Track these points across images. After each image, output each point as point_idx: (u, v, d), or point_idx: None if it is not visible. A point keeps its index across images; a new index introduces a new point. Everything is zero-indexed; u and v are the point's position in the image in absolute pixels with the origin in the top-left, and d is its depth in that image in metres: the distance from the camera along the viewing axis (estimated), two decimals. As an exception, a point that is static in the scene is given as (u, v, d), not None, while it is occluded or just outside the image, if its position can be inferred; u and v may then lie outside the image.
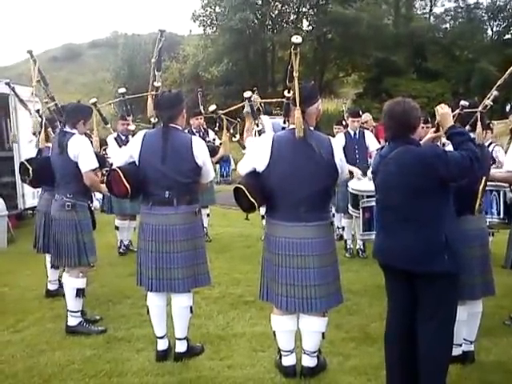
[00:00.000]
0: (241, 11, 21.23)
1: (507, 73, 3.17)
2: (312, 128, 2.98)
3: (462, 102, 3.27)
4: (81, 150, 3.70)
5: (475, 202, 2.98)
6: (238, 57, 22.37)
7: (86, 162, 3.73)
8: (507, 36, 23.00)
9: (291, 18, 24.09)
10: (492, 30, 23.86)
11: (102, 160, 3.98)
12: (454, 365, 3.23)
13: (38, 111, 4.32)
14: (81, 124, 3.83)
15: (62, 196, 3.80)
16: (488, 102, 3.18)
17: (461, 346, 3.27)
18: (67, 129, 3.82)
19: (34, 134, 4.42)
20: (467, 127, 3.21)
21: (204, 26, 23.82)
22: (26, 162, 3.99)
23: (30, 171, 3.92)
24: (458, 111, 3.28)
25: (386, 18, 24.63)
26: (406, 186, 2.66)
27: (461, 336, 3.26)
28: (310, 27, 23.77)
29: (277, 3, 23.57)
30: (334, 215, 6.78)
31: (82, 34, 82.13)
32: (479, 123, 3.14)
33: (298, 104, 2.77)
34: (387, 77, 22.23)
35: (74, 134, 3.77)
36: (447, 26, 24.49)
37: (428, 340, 2.69)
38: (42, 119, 4.34)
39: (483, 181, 2.99)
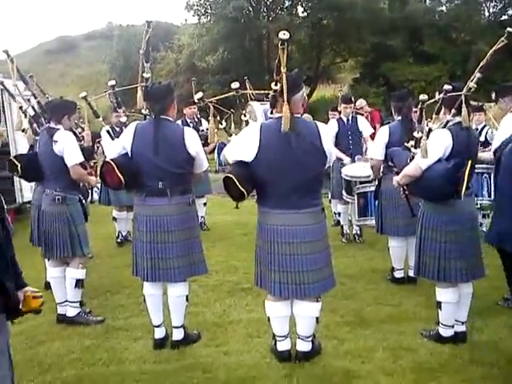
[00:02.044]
0: (235, -1, 21.06)
1: (489, 54, 3.17)
2: (299, 115, 3.00)
3: (445, 87, 3.28)
4: (65, 145, 3.75)
5: (461, 186, 3.00)
6: (233, 45, 22.18)
7: (71, 157, 3.77)
8: (504, 17, 22.81)
9: (286, 5, 23.82)
10: (488, 11, 23.66)
11: (88, 153, 4.02)
12: (446, 345, 3.32)
13: (21, 108, 4.34)
14: (65, 119, 3.89)
15: (51, 190, 3.85)
16: (472, 84, 3.18)
17: (453, 327, 3.33)
18: (52, 124, 3.87)
19: (23, 130, 4.44)
20: (453, 111, 3.23)
21: (198, 15, 23.55)
22: (13, 159, 4.05)
23: (19, 167, 3.98)
24: (441, 95, 3.29)
25: (382, 1, 24.38)
26: None
27: (452, 317, 3.31)
28: (305, 13, 23.52)
29: (271, -10, 23.36)
30: (330, 201, 6.83)
31: (76, 26, 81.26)
32: (464, 106, 3.14)
33: (285, 99, 2.80)
34: (384, 61, 22.08)
35: (58, 129, 3.81)
36: (443, 8, 24.21)
37: None
38: (26, 116, 4.36)
39: (469, 164, 3.00)
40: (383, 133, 4.49)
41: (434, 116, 3.43)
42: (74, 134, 4.06)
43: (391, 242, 4.59)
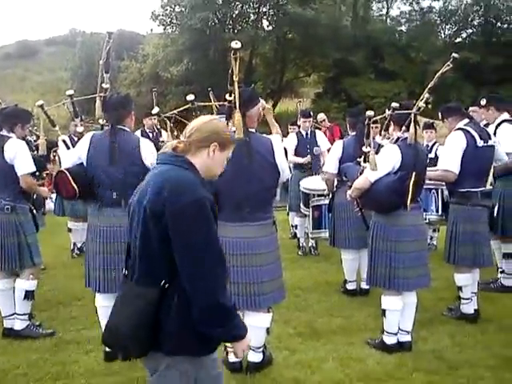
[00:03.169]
0: (201, 11, 21.17)
1: (436, 77, 3.35)
2: (253, 130, 3.07)
3: (393, 104, 3.44)
4: (17, 154, 3.68)
5: (407, 197, 3.16)
6: (198, 56, 22.26)
7: (22, 166, 3.71)
8: (458, 39, 23.91)
9: (251, 18, 24.15)
10: (444, 33, 24.76)
11: (41, 163, 3.96)
12: (393, 355, 3.42)
13: None
14: (18, 128, 3.82)
15: (0, 199, 3.76)
16: (421, 103, 3.36)
17: (396, 335, 3.44)
18: (4, 132, 3.79)
19: None
20: (403, 128, 3.39)
21: (164, 25, 23.59)
22: None
23: None
24: (389, 113, 3.45)
25: (345, 19, 25.10)
26: None
27: (396, 325, 3.44)
28: (271, 27, 23.94)
29: (237, 3, 23.56)
30: (288, 214, 6.93)
31: (37, 30, 79.68)
32: (412, 124, 3.31)
33: (237, 107, 2.86)
34: (346, 77, 22.68)
35: (10, 137, 3.74)
36: (403, 28, 25.23)
37: None
38: None
39: (413, 176, 3.16)
40: (337, 147, 4.63)
41: (382, 132, 3.58)
42: (27, 143, 3.99)
43: (344, 254, 4.71)
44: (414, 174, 3.19)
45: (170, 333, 1.73)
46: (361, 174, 3.47)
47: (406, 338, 3.47)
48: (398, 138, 3.53)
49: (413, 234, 3.41)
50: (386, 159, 3.34)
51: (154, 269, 1.75)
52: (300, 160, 6.08)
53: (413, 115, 3.36)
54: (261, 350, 3.26)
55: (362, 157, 3.64)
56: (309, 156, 6.09)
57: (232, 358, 3.24)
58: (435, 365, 3.27)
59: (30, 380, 3.17)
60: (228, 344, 3.21)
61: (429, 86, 3.43)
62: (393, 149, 3.38)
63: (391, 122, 3.52)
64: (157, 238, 1.72)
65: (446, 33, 24.58)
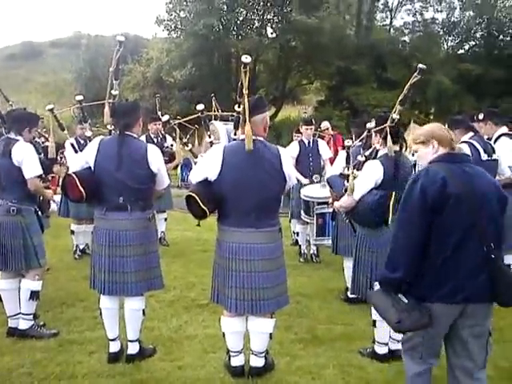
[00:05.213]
0: (205, 17, 21.27)
1: (406, 88, 3.40)
2: (261, 138, 3.12)
3: (368, 125, 3.51)
4: (24, 157, 3.72)
5: (388, 216, 3.23)
6: (201, 62, 22.34)
7: (30, 169, 3.75)
8: (461, 51, 24.05)
9: (256, 25, 24.27)
10: (447, 44, 24.92)
11: (47, 166, 4.00)
12: (394, 362, 3.45)
13: None
14: (26, 131, 3.85)
15: (6, 201, 3.79)
16: (394, 115, 3.42)
17: (386, 345, 3.50)
18: (12, 135, 3.83)
19: None
20: (381, 140, 3.46)
21: (168, 30, 23.70)
22: None
23: None
24: (366, 133, 3.51)
25: (349, 28, 25.25)
26: None
27: (387, 335, 3.50)
28: (274, 34, 24.01)
29: (242, 10, 23.73)
30: (290, 221, 6.97)
31: (42, 32, 79.82)
32: (389, 137, 3.38)
33: (247, 119, 2.92)
34: (348, 85, 22.77)
35: (18, 140, 3.79)
36: (406, 38, 25.39)
37: None
38: None
39: (393, 196, 3.24)
40: (342, 157, 4.67)
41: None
42: (34, 146, 4.04)
43: (346, 262, 4.75)
44: (393, 193, 3.26)
45: None
46: (345, 190, 3.54)
47: (397, 346, 3.50)
48: (377, 151, 3.60)
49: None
50: (368, 176, 3.44)
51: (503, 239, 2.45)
52: (301, 178, 5.97)
53: (388, 128, 3.43)
54: (263, 355, 3.30)
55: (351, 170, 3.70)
56: (307, 181, 6.02)
57: (234, 362, 3.29)
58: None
59: (35, 379, 3.21)
60: (230, 348, 3.28)
61: (400, 98, 3.47)
62: (374, 164, 3.46)
63: (375, 134, 3.59)
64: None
65: (449, 44, 24.74)
